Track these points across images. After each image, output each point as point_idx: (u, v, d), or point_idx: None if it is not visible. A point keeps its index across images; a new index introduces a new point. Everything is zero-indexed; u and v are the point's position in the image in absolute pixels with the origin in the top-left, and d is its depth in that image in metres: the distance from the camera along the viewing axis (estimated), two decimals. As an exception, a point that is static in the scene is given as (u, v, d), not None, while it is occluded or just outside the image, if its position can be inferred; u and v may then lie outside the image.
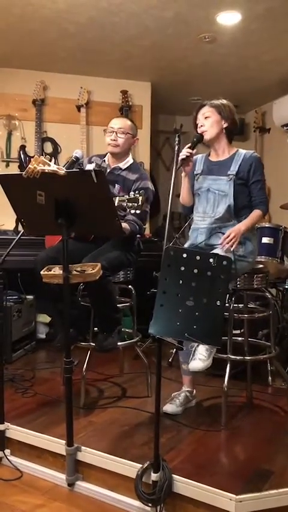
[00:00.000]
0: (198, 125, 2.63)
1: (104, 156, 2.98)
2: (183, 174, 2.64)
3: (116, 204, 2.41)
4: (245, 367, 2.86)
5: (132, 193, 2.47)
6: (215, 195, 2.58)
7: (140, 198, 2.42)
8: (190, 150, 2.54)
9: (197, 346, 2.37)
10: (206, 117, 2.60)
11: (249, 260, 2.57)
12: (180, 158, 2.51)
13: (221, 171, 2.60)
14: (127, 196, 2.44)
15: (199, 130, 2.62)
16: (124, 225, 2.64)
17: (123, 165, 2.90)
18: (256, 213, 2.55)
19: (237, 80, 4.65)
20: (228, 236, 2.44)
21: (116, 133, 2.84)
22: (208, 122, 2.59)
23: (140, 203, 2.42)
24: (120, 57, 4.21)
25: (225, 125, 2.61)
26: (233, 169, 2.56)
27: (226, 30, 3.63)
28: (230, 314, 2.58)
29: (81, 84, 4.56)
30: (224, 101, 2.63)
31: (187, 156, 2.53)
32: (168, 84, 4.84)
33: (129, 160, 2.93)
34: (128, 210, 2.46)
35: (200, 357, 2.34)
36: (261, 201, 2.57)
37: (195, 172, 2.69)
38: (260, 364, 3.17)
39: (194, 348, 2.37)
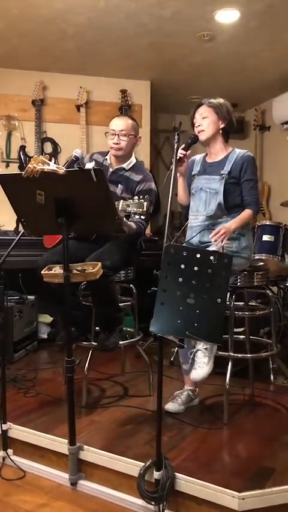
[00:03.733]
0: (196, 125, 2.64)
1: (106, 154, 2.96)
2: (178, 174, 2.64)
3: (120, 209, 2.40)
4: (247, 365, 2.86)
5: (136, 198, 2.44)
6: (207, 193, 2.59)
7: (145, 203, 2.40)
8: (183, 151, 2.54)
9: (196, 352, 2.37)
10: (203, 117, 2.61)
11: (243, 256, 2.57)
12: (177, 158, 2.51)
13: (215, 171, 2.62)
14: (131, 201, 2.42)
15: (196, 130, 2.63)
16: (131, 223, 2.63)
17: (127, 165, 2.88)
18: (246, 212, 2.55)
19: (236, 78, 4.65)
20: (219, 232, 2.43)
21: (118, 136, 2.82)
22: (205, 122, 2.60)
23: (144, 209, 2.40)
24: (119, 56, 4.20)
25: (222, 125, 2.62)
26: (226, 168, 2.58)
27: (225, 28, 3.62)
28: (231, 312, 2.58)
29: (81, 84, 4.56)
30: (222, 100, 2.63)
31: (180, 157, 2.53)
32: (167, 83, 4.84)
33: (132, 160, 2.91)
34: (133, 215, 2.45)
35: (200, 365, 2.34)
36: (252, 201, 2.58)
37: (192, 173, 2.70)
38: (261, 362, 3.17)
39: (192, 355, 2.37)
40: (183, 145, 2.55)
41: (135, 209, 2.40)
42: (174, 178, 2.43)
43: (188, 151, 2.57)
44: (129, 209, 2.40)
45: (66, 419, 2.19)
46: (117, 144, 2.82)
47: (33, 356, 3.76)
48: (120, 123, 2.84)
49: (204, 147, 2.73)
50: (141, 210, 2.40)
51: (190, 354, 2.40)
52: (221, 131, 2.63)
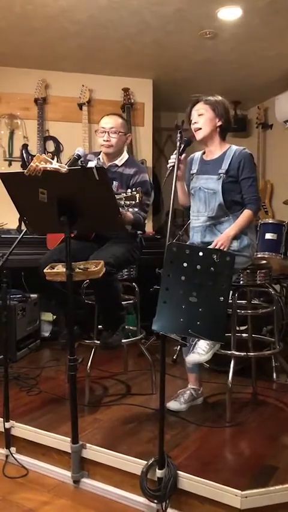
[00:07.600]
0: (192, 122, 2.61)
1: (99, 154, 2.98)
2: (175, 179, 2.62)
3: None
4: (250, 363, 2.86)
5: (129, 190, 2.45)
6: (206, 194, 2.57)
7: (137, 195, 2.40)
8: (179, 157, 2.50)
9: (198, 340, 2.36)
10: (199, 114, 2.58)
11: (245, 254, 2.55)
12: (168, 166, 2.48)
13: (212, 170, 2.59)
14: (124, 195, 2.42)
15: (192, 128, 2.61)
16: (128, 214, 2.62)
17: (119, 161, 2.90)
18: (246, 213, 2.53)
19: (239, 76, 4.64)
20: (216, 245, 2.42)
21: (108, 134, 2.83)
22: (201, 119, 2.57)
23: (137, 200, 2.40)
24: (121, 54, 4.20)
25: (219, 123, 2.58)
26: (224, 167, 2.55)
27: (227, 26, 3.61)
28: (234, 310, 2.58)
29: (83, 83, 4.55)
30: (219, 98, 2.60)
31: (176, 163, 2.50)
32: (169, 81, 4.83)
33: (124, 156, 2.93)
34: (126, 208, 2.45)
35: (199, 351, 2.35)
36: (252, 200, 2.55)
37: (191, 172, 2.68)
38: (264, 360, 3.17)
39: (195, 341, 2.37)
40: (176, 152, 2.49)
41: (128, 202, 2.40)
42: (176, 177, 2.42)
43: (183, 156, 2.53)
44: (122, 202, 2.40)
45: (69, 418, 2.19)
46: (107, 141, 2.84)
47: (36, 354, 3.77)
48: (109, 121, 2.86)
49: (201, 145, 2.69)
50: (134, 202, 2.39)
51: (192, 342, 2.39)
52: (218, 129, 2.59)
